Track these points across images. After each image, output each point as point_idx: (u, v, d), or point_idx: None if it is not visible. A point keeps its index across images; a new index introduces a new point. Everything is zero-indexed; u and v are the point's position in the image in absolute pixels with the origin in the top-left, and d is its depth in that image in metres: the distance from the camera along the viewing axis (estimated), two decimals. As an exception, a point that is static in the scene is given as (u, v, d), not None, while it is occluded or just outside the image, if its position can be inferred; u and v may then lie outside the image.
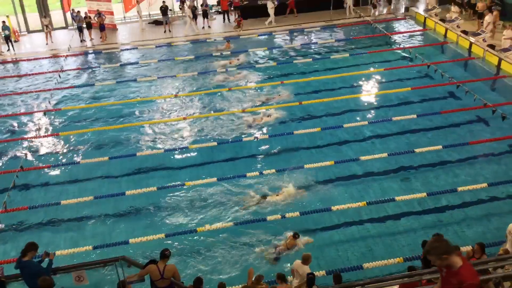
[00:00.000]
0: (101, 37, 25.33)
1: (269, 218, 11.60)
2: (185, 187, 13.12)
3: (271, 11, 26.01)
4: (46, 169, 14.66)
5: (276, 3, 26.14)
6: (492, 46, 20.39)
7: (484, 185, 12.28)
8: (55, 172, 14.64)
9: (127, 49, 24.60)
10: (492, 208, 11.88)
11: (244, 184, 13.20)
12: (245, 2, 27.37)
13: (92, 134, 16.35)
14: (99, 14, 25.14)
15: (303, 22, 26.34)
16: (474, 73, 19.50)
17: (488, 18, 21.88)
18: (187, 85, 19.98)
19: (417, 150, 13.90)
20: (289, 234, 10.98)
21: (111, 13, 27.08)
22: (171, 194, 13.01)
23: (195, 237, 11.42)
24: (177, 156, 15.01)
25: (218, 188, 13.09)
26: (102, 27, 25.09)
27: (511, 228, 9.14)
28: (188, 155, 15.07)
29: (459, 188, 12.20)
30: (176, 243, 11.19)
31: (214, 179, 13.23)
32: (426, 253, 4.51)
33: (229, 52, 22.71)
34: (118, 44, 25.38)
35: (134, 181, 13.77)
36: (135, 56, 23.83)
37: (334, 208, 11.76)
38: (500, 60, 19.45)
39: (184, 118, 17.00)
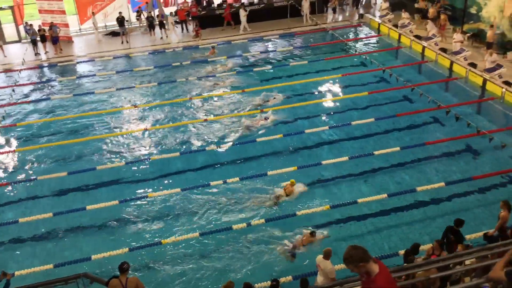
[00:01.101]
0: (55, 50, 24.74)
1: (234, 226, 11.61)
2: (148, 199, 12.97)
3: (243, 18, 26.34)
4: (2, 187, 14.14)
5: (247, 11, 26.53)
6: (443, 50, 21.22)
7: (442, 184, 12.70)
8: (12, 189, 14.14)
9: (84, 62, 24.12)
10: (449, 206, 12.28)
11: (211, 192, 13.18)
12: (203, 12, 27.39)
13: (50, 149, 15.91)
14: (50, 26, 24.53)
15: (261, 31, 26.60)
16: (428, 76, 20.20)
17: (429, 26, 22.94)
18: (147, 96, 19.76)
19: (376, 153, 14.26)
20: (306, 231, 11.22)
21: (66, 25, 26.51)
22: (133, 207, 12.82)
23: (160, 249, 11.28)
24: (139, 168, 14.78)
25: (182, 197, 12.99)
26: (54, 40, 24.50)
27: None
28: (150, 166, 14.87)
29: (418, 188, 12.57)
30: (140, 257, 11.03)
31: (178, 189, 13.11)
32: (344, 261, 4.45)
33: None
34: (74, 56, 24.86)
35: (95, 195, 13.48)
36: (93, 68, 23.38)
37: (299, 213, 11.90)
38: (451, 62, 20.27)
39: (145, 129, 16.82)
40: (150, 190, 13.44)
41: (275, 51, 23.96)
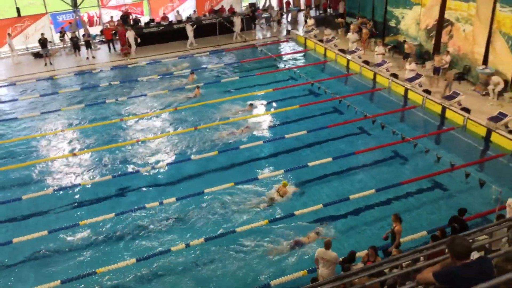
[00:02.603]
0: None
1: (175, 246, 11.35)
2: (80, 226, 12.40)
3: (190, 34, 26.49)
4: None
5: (194, 26, 26.60)
6: (366, 62, 22.24)
7: (372, 191, 13.20)
8: None
9: (4, 86, 22.80)
10: (380, 212, 12.74)
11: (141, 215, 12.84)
12: (130, 31, 26.88)
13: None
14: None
15: (191, 48, 26.56)
16: (354, 88, 21.06)
17: (352, 37, 24.03)
18: (74, 118, 18.98)
19: (310, 164, 14.58)
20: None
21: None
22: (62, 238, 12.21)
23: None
24: (69, 195, 14.11)
25: (115, 222, 12.57)
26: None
27: (510, 202, 10.67)
28: (82, 192, 14.25)
29: (351, 196, 12.98)
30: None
31: (112, 214, 12.66)
32: None
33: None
34: (-8, 81, 23.47)
35: (21, 228, 12.67)
36: (14, 92, 22.14)
37: (238, 229, 11.87)
38: (375, 74, 21.28)
39: (74, 154, 16.12)
40: (81, 218, 12.87)
41: (206, 67, 23.95)
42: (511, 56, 17.75)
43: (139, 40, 25.59)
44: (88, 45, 25.54)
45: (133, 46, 25.63)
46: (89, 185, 14.39)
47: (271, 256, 11.17)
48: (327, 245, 9.66)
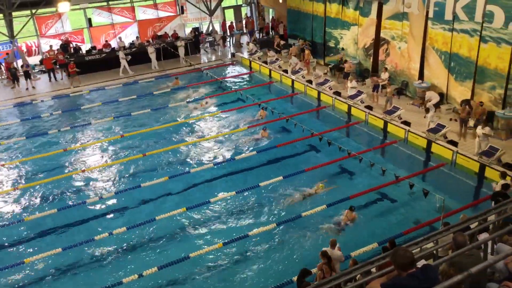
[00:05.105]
0: None
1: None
2: (25, 264, 11.79)
3: (152, 56, 26.68)
4: None
5: (155, 48, 26.98)
6: (310, 82, 22.84)
7: (324, 206, 13.41)
8: None
9: None
10: (331, 227, 12.90)
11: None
12: (71, 59, 26.31)
13: None
14: None
15: (137, 74, 26.30)
16: (299, 107, 21.53)
17: (293, 61, 24.65)
18: (14, 151, 18.23)
19: (261, 184, 14.66)
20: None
21: None
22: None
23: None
24: (10, 231, 13.39)
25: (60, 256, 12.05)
26: None
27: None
28: (24, 227, 13.58)
29: (303, 214, 13.13)
30: None
31: (59, 249, 12.14)
32: None
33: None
34: None
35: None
36: None
37: (192, 255, 11.69)
38: (319, 93, 21.87)
39: (16, 189, 15.42)
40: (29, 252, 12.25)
41: (151, 93, 23.73)
42: (445, 70, 18.83)
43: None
44: (27, 75, 24.73)
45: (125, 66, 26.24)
46: (33, 220, 13.73)
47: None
48: (332, 244, 10.24)
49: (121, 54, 26.17)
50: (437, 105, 18.51)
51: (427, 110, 17.38)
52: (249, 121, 19.84)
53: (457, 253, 5.79)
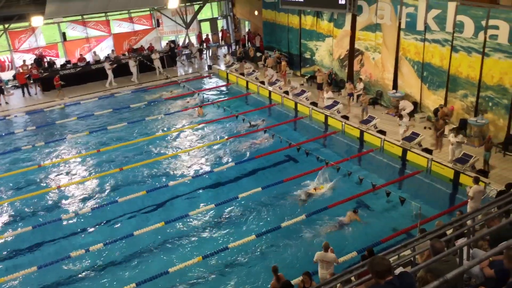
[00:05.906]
0: None
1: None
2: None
3: (133, 69, 26.82)
4: None
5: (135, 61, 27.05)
6: (287, 92, 23.01)
7: (303, 216, 13.45)
8: None
9: None
10: (311, 236, 12.93)
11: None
12: (45, 74, 25.93)
13: None
14: None
15: (112, 88, 26.07)
16: (277, 117, 21.62)
17: (269, 72, 24.79)
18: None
19: (240, 196, 14.63)
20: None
21: None
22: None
23: None
24: None
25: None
26: None
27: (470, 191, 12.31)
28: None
29: (283, 224, 13.14)
30: None
31: (35, 267, 11.85)
32: None
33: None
34: None
35: None
36: None
37: (171, 270, 11.54)
38: (296, 103, 22.04)
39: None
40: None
41: (129, 107, 23.53)
42: (418, 80, 19.22)
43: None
44: (0, 91, 24.26)
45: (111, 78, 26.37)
46: (8, 239, 13.40)
47: None
48: (325, 248, 10.37)
49: (106, 66, 25.94)
50: (411, 114, 18.86)
51: (400, 117, 17.71)
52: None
53: (433, 260, 5.87)
